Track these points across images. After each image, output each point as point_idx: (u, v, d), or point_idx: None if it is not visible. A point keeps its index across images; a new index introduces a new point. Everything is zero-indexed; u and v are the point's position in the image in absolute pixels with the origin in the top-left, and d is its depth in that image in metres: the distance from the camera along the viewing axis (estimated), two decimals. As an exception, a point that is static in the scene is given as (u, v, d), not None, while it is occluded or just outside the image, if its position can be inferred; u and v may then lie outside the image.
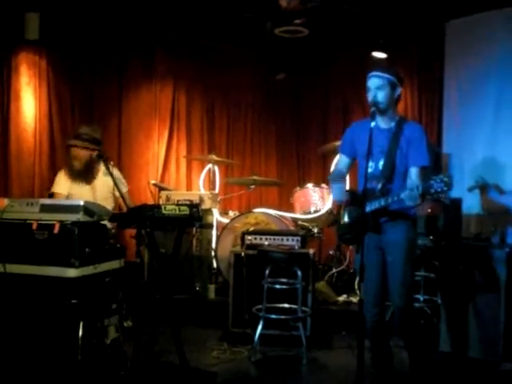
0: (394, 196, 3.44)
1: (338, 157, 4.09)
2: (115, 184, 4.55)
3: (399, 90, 3.66)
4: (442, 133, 6.41)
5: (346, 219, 3.77)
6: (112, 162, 5.14)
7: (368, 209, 3.48)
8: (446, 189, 3.14)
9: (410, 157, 3.60)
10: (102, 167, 4.99)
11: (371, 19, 6.38)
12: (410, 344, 3.70)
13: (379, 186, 3.58)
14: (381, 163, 3.63)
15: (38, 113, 6.46)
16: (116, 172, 5.11)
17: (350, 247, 6.01)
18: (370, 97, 3.61)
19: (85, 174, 5.04)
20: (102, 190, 5.07)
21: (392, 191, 3.54)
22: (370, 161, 3.47)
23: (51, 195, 5.08)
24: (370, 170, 3.53)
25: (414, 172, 3.57)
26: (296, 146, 8.05)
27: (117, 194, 4.86)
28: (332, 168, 6.30)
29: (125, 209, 4.68)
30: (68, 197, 5.01)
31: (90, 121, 6.78)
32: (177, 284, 4.97)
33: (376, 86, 3.60)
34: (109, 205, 5.02)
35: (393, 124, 3.67)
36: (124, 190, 5.03)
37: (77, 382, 3.43)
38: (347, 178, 6.04)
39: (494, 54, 5.80)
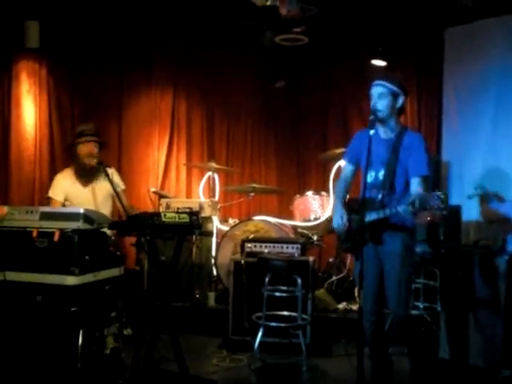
0: (392, 208, 3.47)
1: (337, 164, 4.10)
2: (115, 191, 4.58)
3: (401, 100, 3.66)
4: (442, 141, 6.42)
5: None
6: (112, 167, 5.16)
7: (367, 219, 3.50)
8: (442, 206, 3.20)
9: (409, 167, 3.60)
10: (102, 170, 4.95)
11: (370, 27, 6.40)
12: (411, 351, 3.69)
13: (379, 196, 3.59)
14: (381, 173, 3.64)
15: (39, 121, 6.47)
16: (115, 174, 5.09)
17: (350, 255, 6.01)
18: (371, 104, 3.64)
19: (93, 172, 5.01)
20: (101, 191, 5.06)
21: (392, 202, 3.55)
22: (369, 170, 3.50)
23: (48, 198, 5.06)
24: (369, 180, 3.56)
25: (415, 183, 3.58)
26: (296, 153, 8.05)
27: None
28: (332, 175, 6.35)
29: (122, 209, 4.74)
30: (65, 202, 4.99)
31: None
32: (176, 292, 4.97)
33: (377, 95, 3.62)
34: (108, 206, 5.05)
35: (393, 135, 3.68)
36: (118, 189, 4.94)
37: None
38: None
39: (493, 62, 5.82)
